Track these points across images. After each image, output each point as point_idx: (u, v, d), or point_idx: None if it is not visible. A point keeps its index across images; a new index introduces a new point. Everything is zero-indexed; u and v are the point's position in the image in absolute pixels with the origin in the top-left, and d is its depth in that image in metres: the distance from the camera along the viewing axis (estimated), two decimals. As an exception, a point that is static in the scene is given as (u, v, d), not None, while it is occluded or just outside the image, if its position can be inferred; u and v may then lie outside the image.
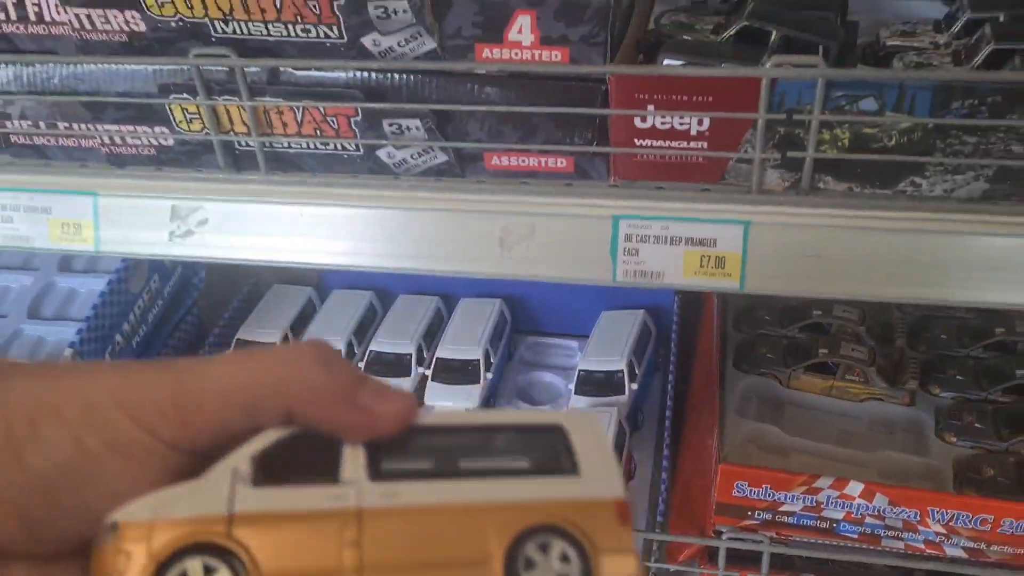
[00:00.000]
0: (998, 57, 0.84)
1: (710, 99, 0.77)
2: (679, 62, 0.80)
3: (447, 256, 0.87)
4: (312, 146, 0.87)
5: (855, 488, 0.88)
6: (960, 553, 0.89)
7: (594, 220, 0.84)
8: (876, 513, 0.89)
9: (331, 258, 0.90)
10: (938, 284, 0.80)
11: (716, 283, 0.83)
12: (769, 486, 0.90)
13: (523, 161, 0.85)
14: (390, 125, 0.84)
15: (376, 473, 0.38)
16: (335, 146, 0.87)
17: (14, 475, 0.34)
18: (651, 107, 0.79)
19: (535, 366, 1.36)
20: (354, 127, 0.84)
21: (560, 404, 1.26)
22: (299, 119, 0.85)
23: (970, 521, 0.87)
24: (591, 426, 0.41)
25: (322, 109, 0.84)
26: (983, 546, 0.89)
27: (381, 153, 0.86)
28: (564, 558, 0.37)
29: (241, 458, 0.37)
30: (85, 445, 0.34)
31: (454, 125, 0.84)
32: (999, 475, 0.95)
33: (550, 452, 0.40)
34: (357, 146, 0.86)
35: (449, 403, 1.22)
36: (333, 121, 0.84)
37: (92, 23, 0.85)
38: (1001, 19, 0.90)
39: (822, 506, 0.90)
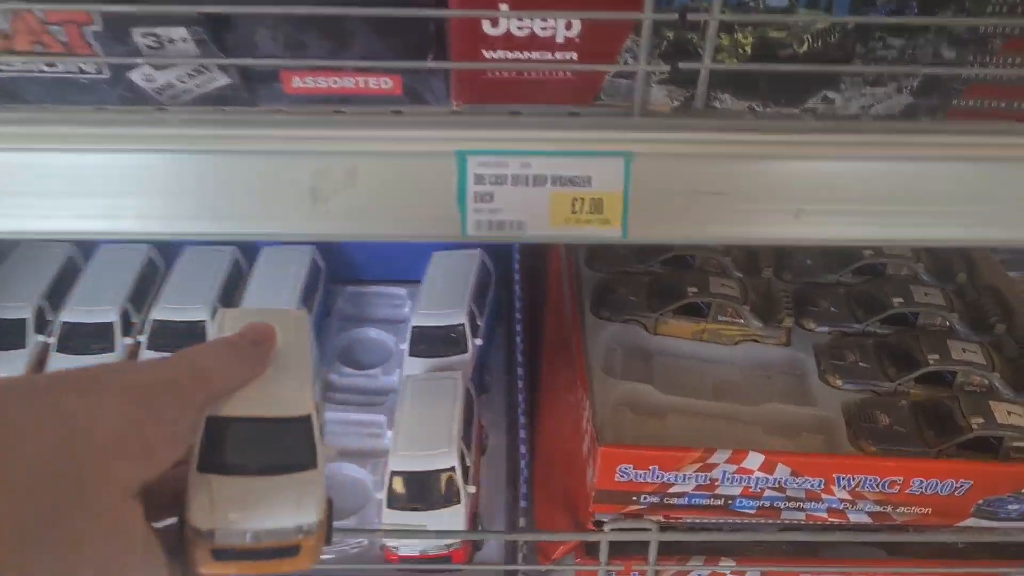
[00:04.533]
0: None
1: (581, -5, 0.59)
2: (536, -55, 0.61)
3: (241, 214, 0.65)
4: (36, 68, 0.62)
5: (754, 460, 0.76)
6: (864, 518, 0.79)
7: (434, 158, 0.64)
8: (777, 485, 0.77)
9: (78, 223, 0.66)
10: (858, 220, 0.66)
11: (592, 232, 0.66)
12: (657, 467, 0.76)
13: (335, 82, 0.64)
14: (144, 36, 0.60)
15: None
16: (68, 67, 0.62)
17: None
18: (504, 6, 0.59)
19: (358, 320, 1.17)
20: (91, 39, 0.60)
21: (392, 367, 1.08)
22: (7, 27, 0.60)
23: (878, 484, 0.77)
24: None
25: (39, 12, 0.59)
26: (889, 508, 0.79)
27: (135, 75, 0.62)
28: None
29: None
30: None
31: (237, 35, 0.61)
32: (895, 423, 0.85)
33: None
34: (99, 66, 0.61)
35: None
36: (59, 31, 0.60)
37: None
38: None
39: (717, 483, 0.77)
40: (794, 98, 0.64)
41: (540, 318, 1.10)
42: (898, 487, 0.77)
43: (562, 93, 0.64)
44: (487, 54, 0.61)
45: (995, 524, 0.80)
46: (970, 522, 0.80)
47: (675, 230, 0.66)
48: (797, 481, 0.77)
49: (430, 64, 0.62)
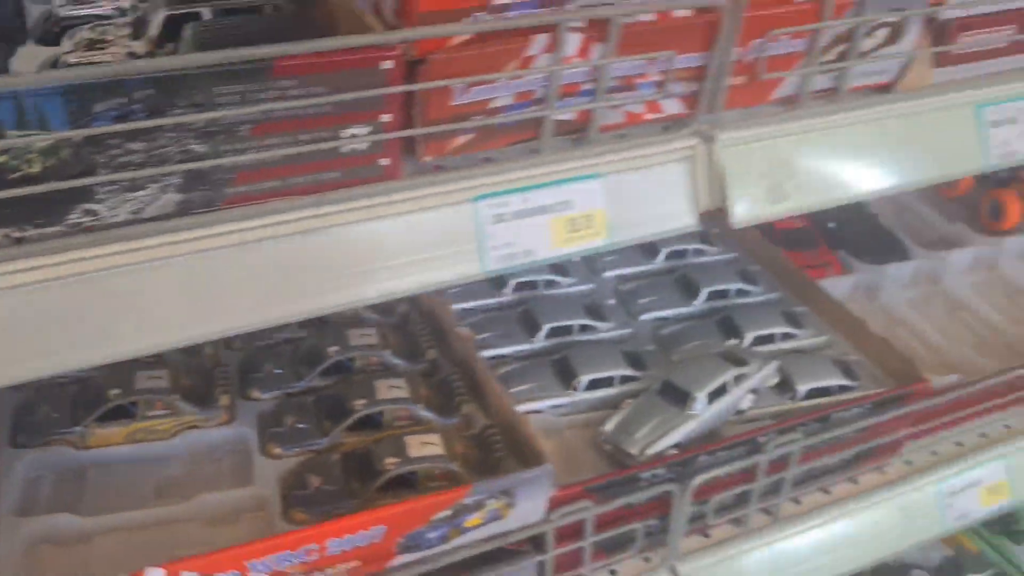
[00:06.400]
0: (177, 24, 0.70)
1: None
2: None
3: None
4: None
5: (154, 577, 0.72)
6: (295, 592, 0.79)
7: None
8: (189, 594, 0.74)
9: None
10: (126, 336, 0.63)
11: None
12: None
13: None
14: None
15: None
16: None
17: None
18: None
19: None
20: None
21: None
22: None
23: (295, 558, 0.77)
24: None
25: None
26: (317, 575, 0.79)
27: None
28: None
29: None
30: None
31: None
32: (325, 482, 0.86)
33: None
34: None
35: None
36: None
37: None
38: (175, -22, 0.76)
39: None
40: (55, 217, 0.60)
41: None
42: (317, 553, 0.78)
43: None
44: None
45: (424, 554, 0.84)
46: (403, 559, 0.83)
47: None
48: (213, 582, 0.75)
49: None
